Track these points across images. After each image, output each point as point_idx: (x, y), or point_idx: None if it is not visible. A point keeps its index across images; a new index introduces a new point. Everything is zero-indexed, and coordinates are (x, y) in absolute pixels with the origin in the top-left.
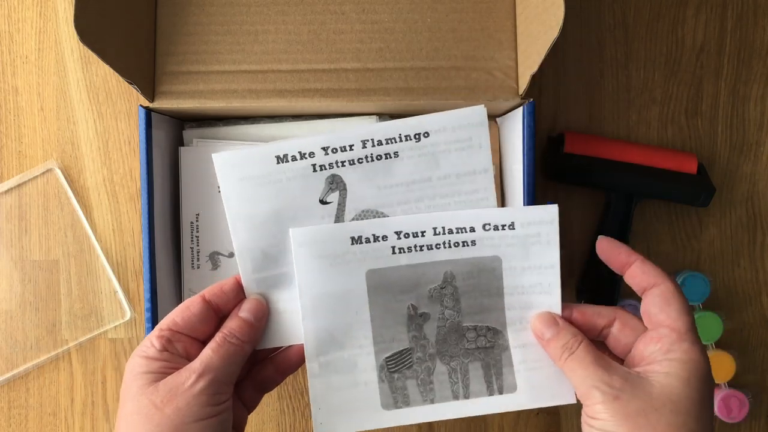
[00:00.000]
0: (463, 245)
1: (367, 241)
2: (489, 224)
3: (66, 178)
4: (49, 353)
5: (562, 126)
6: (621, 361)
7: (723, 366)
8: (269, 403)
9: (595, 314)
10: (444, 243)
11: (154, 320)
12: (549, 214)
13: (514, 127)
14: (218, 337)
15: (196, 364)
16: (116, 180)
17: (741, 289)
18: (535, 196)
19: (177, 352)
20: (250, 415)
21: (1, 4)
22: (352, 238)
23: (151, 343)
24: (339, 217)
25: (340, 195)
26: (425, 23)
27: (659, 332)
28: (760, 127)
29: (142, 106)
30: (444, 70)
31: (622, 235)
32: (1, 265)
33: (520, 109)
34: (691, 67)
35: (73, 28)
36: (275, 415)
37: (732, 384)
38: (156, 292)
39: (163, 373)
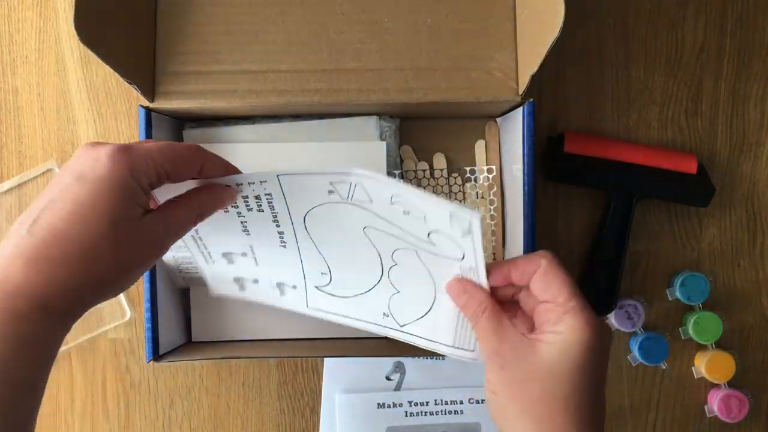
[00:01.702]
0: (455, 413)
1: (388, 407)
2: (473, 399)
3: None
4: None
5: (562, 126)
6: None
7: (723, 366)
8: (269, 403)
9: (523, 274)
10: (441, 411)
11: (154, 320)
12: None
13: (514, 127)
14: (196, 209)
15: (172, 224)
16: None
17: (741, 289)
18: (535, 196)
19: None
20: (251, 414)
21: (1, 4)
22: (378, 404)
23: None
24: (398, 388)
25: (400, 375)
26: (425, 23)
27: (547, 306)
28: (760, 127)
29: (142, 106)
30: (444, 70)
31: (622, 235)
32: None
33: (520, 109)
34: (691, 67)
35: (73, 28)
36: (275, 415)
37: (732, 384)
38: (156, 292)
39: (142, 206)
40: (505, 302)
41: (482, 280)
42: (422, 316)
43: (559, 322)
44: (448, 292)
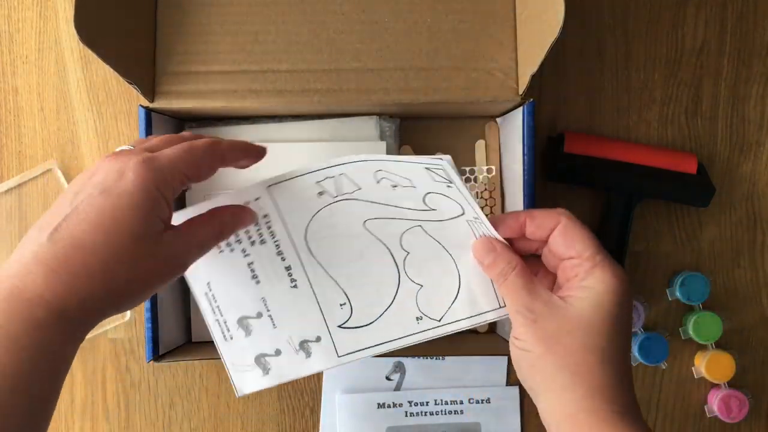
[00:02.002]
0: (455, 413)
1: (389, 407)
2: (473, 398)
3: (66, 178)
4: None
5: (562, 126)
6: (554, 277)
7: (723, 366)
8: (269, 403)
9: (528, 240)
10: (441, 411)
11: (154, 320)
12: (513, 392)
13: (514, 127)
14: (216, 227)
15: (194, 242)
16: None
17: (741, 289)
18: (534, 196)
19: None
20: (251, 414)
21: (1, 4)
22: (378, 404)
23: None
24: (398, 388)
25: (400, 375)
26: (425, 23)
27: (572, 263)
28: (760, 127)
29: (142, 106)
30: (444, 70)
31: (622, 235)
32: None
33: (520, 109)
34: (691, 67)
35: (73, 28)
36: (275, 414)
37: (732, 384)
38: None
39: (164, 221)
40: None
41: (491, 229)
42: (456, 297)
43: (588, 276)
44: (474, 253)
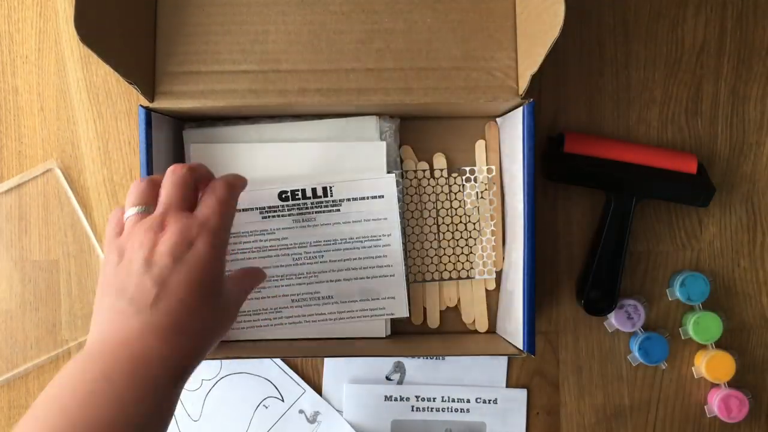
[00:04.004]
0: (460, 411)
1: (395, 400)
2: (480, 398)
3: (66, 178)
4: (49, 353)
5: (562, 126)
6: None
7: (723, 366)
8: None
9: None
10: (447, 408)
11: None
12: (521, 394)
13: (514, 127)
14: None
15: (239, 290)
16: (116, 180)
17: (741, 289)
18: (534, 196)
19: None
20: None
21: (1, 4)
22: (385, 396)
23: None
24: (400, 382)
25: (400, 375)
26: (425, 23)
27: None
28: (760, 127)
29: (142, 106)
30: (444, 70)
31: (622, 235)
32: (1, 265)
33: (520, 109)
34: (691, 67)
35: (73, 28)
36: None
37: (732, 384)
38: None
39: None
40: None
41: None
42: None
43: None
44: None
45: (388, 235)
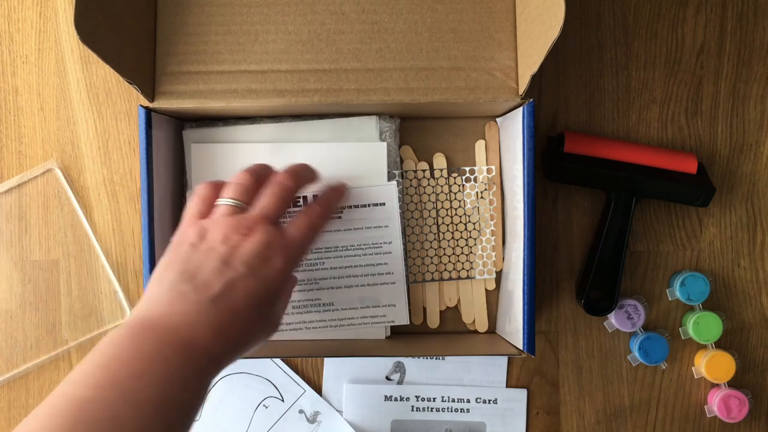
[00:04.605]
0: (461, 411)
1: (395, 400)
2: (480, 398)
3: (66, 178)
4: (49, 353)
5: (562, 126)
6: None
7: (723, 366)
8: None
9: None
10: (447, 408)
11: None
12: (520, 394)
13: (514, 127)
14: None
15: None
16: (116, 180)
17: (741, 289)
18: (534, 196)
19: None
20: None
21: (1, 4)
22: (385, 396)
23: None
24: (400, 382)
25: (400, 375)
26: (425, 23)
27: None
28: (760, 127)
29: (142, 106)
30: (444, 70)
31: (622, 235)
32: (1, 265)
33: (520, 109)
34: (691, 67)
35: (73, 28)
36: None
37: (732, 384)
38: None
39: None
40: None
41: None
42: None
43: None
44: None
45: (389, 243)
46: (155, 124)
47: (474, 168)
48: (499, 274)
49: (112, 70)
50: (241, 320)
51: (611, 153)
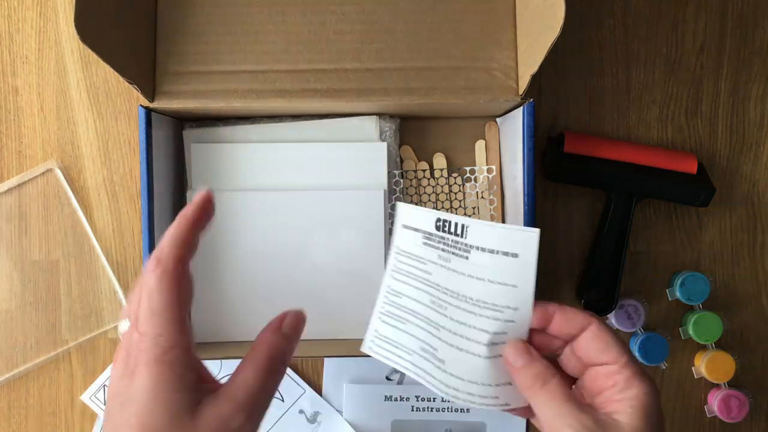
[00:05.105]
0: (461, 411)
1: (395, 400)
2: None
3: (66, 178)
4: (49, 353)
5: (562, 126)
6: (573, 380)
7: (723, 366)
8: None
9: (551, 338)
10: (447, 408)
11: None
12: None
13: (514, 127)
14: (262, 359)
15: (240, 394)
16: (116, 180)
17: (741, 289)
18: (535, 196)
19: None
20: None
21: (1, 4)
22: (385, 396)
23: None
24: (400, 382)
25: (400, 375)
26: (425, 23)
27: (608, 369)
28: (760, 127)
29: (142, 106)
30: (444, 70)
31: (622, 235)
32: (1, 265)
33: (520, 109)
34: (691, 67)
35: (73, 28)
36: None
37: (732, 384)
38: None
39: (193, 390)
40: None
41: (525, 327)
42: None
43: (629, 386)
44: (506, 354)
45: (515, 310)
46: (155, 124)
47: (474, 168)
48: None
49: (112, 70)
50: None
51: (611, 153)
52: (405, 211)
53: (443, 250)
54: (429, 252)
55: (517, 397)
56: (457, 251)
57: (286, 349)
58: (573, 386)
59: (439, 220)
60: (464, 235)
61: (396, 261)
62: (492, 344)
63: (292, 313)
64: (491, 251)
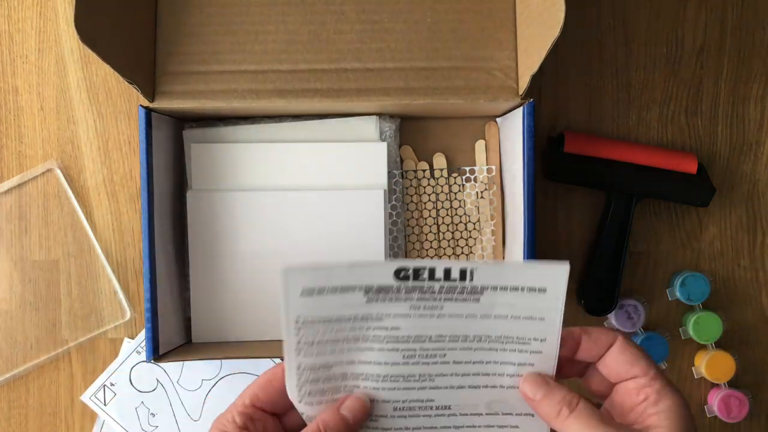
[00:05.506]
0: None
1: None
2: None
3: (66, 178)
4: (49, 353)
5: (562, 126)
6: (596, 403)
7: (723, 366)
8: None
9: (595, 343)
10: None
11: (154, 320)
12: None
13: (514, 127)
14: (312, 429)
15: None
16: (116, 180)
17: (741, 289)
18: (535, 196)
19: (257, 430)
20: None
21: (1, 4)
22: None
23: (232, 417)
24: None
25: None
26: (425, 23)
27: (638, 382)
28: (760, 127)
29: (142, 106)
30: (444, 70)
31: (622, 235)
32: (1, 265)
33: (520, 109)
34: (691, 67)
35: (73, 28)
36: None
37: (732, 384)
38: (156, 292)
39: None
40: None
41: (550, 362)
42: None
43: (661, 398)
44: (523, 390)
45: (542, 341)
46: (155, 124)
47: (474, 168)
48: None
49: (112, 70)
50: None
51: (611, 153)
52: (309, 274)
53: (420, 299)
54: (386, 307)
55: (537, 427)
56: (454, 296)
57: (339, 427)
58: (601, 408)
59: (403, 269)
60: (469, 279)
61: (304, 335)
62: (517, 375)
63: (353, 397)
64: (515, 288)
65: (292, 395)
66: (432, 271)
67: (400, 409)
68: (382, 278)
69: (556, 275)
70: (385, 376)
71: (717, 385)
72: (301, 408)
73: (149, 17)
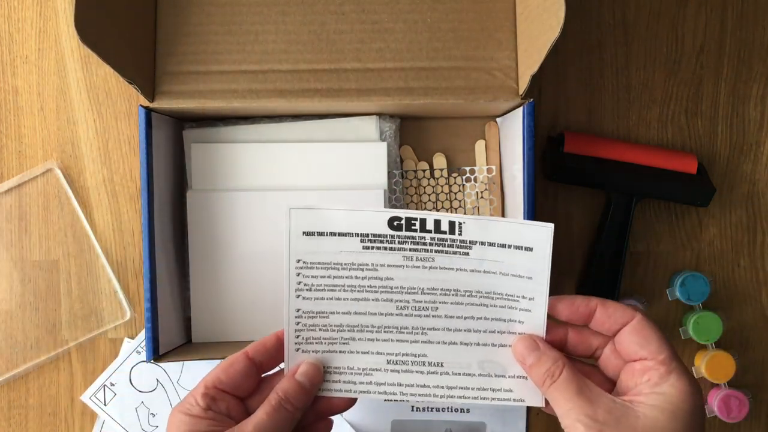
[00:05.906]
0: (461, 411)
1: (395, 399)
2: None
3: (66, 178)
4: (49, 353)
5: (562, 126)
6: (612, 383)
7: (723, 366)
8: None
9: (591, 335)
10: (447, 408)
11: (154, 320)
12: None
13: (514, 127)
14: (273, 399)
15: (248, 427)
16: (116, 180)
17: (741, 289)
18: (535, 196)
19: (221, 411)
20: None
21: (1, 4)
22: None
23: (195, 400)
24: None
25: None
26: (425, 23)
27: (645, 364)
28: (760, 127)
29: (142, 106)
30: (444, 70)
31: (622, 235)
32: (1, 265)
33: (520, 109)
34: (691, 67)
35: (73, 28)
36: None
37: (732, 384)
38: (156, 292)
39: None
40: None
41: (541, 320)
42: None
43: (662, 382)
44: (515, 352)
45: (530, 299)
46: (155, 124)
47: (474, 168)
48: None
49: (112, 70)
50: None
51: (611, 153)
52: (310, 216)
53: (412, 250)
54: (381, 256)
55: (532, 392)
56: (445, 249)
57: (298, 393)
58: (614, 389)
59: (396, 219)
60: (458, 232)
61: (304, 277)
62: (508, 333)
63: (307, 362)
64: (502, 245)
65: (289, 343)
66: (423, 222)
67: (393, 362)
68: (376, 226)
69: (541, 235)
70: (379, 327)
71: (717, 385)
72: (295, 358)
73: (149, 17)
